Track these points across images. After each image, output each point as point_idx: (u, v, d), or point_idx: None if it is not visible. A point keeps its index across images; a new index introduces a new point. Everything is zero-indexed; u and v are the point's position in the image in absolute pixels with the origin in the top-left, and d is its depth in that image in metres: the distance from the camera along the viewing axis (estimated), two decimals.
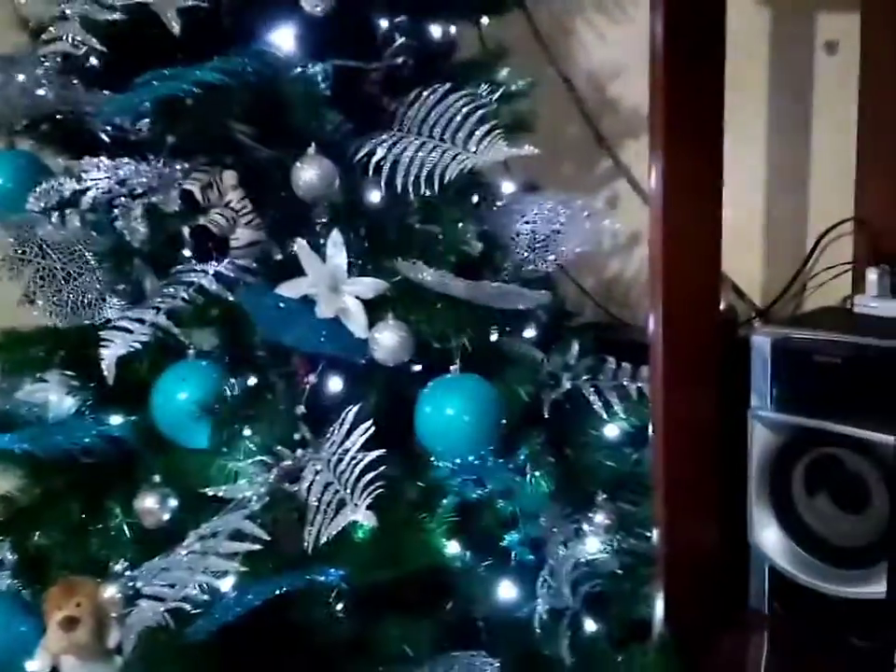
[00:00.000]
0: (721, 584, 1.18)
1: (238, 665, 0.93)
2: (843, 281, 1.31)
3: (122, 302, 1.09)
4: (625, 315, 1.59)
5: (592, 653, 1.11)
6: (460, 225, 1.04)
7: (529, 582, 1.10)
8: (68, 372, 1.10)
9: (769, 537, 1.15)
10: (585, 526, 1.12)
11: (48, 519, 1.10)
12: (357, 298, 1.00)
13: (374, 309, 1.02)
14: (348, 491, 0.89)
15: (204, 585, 0.88)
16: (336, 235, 0.99)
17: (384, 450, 0.91)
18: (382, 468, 0.89)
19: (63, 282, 1.11)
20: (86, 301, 1.11)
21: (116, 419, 1.08)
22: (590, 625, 1.12)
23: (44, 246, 1.10)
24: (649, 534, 1.13)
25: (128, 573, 1.01)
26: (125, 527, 1.04)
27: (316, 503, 0.92)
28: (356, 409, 0.97)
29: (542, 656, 1.10)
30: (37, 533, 1.10)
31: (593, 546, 1.13)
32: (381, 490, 0.88)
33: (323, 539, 0.88)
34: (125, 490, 1.06)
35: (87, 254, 1.09)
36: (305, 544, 0.91)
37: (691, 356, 1.14)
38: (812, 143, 1.37)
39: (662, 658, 1.09)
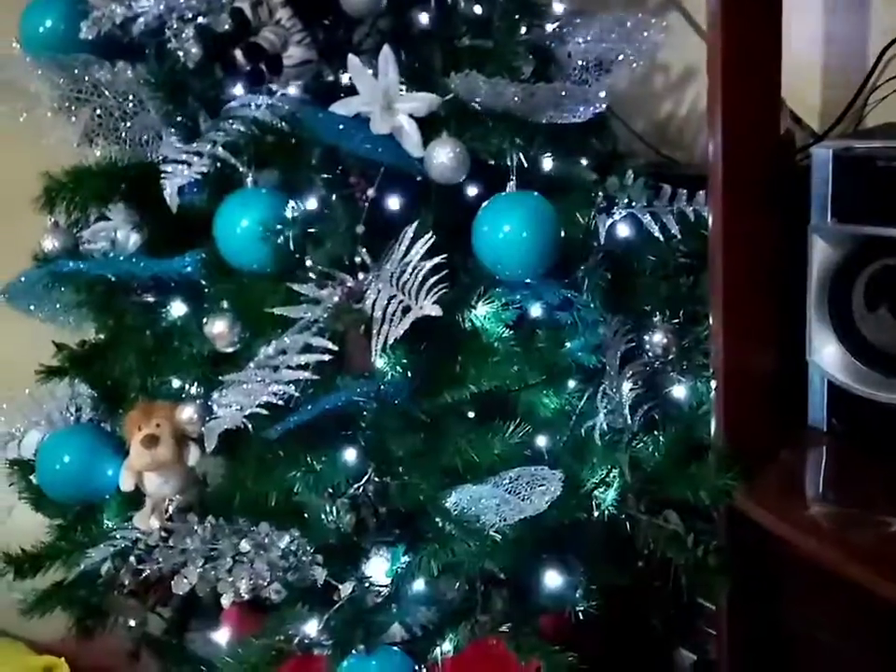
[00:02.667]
0: (779, 404, 1.19)
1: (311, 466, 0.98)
2: None
3: (179, 139, 1.11)
4: (679, 155, 1.56)
5: (651, 470, 1.14)
6: (511, 39, 1.02)
7: (589, 401, 1.13)
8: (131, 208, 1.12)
9: (828, 353, 1.16)
10: (643, 346, 1.14)
11: (121, 352, 1.14)
12: (411, 116, 1.00)
13: (428, 130, 1.02)
14: (412, 298, 0.91)
15: (278, 393, 0.91)
16: (387, 50, 0.98)
17: (445, 255, 0.92)
18: (444, 272, 0.91)
19: (119, 121, 1.12)
20: (143, 138, 1.13)
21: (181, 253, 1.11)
22: (649, 444, 1.15)
23: (99, 86, 1.12)
24: (707, 353, 1.14)
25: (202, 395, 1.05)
26: (196, 353, 1.08)
27: (381, 315, 0.94)
28: (414, 225, 0.98)
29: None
30: (112, 367, 1.15)
31: (650, 367, 1.15)
32: (445, 290, 0.90)
33: (391, 341, 0.91)
34: (195, 318, 1.09)
35: (141, 92, 1.10)
36: (373, 353, 0.94)
37: (750, 178, 1.12)
38: None
39: (720, 472, 1.11)
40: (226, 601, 0.95)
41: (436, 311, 0.88)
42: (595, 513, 1.14)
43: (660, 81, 1.59)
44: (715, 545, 1.14)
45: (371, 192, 0.98)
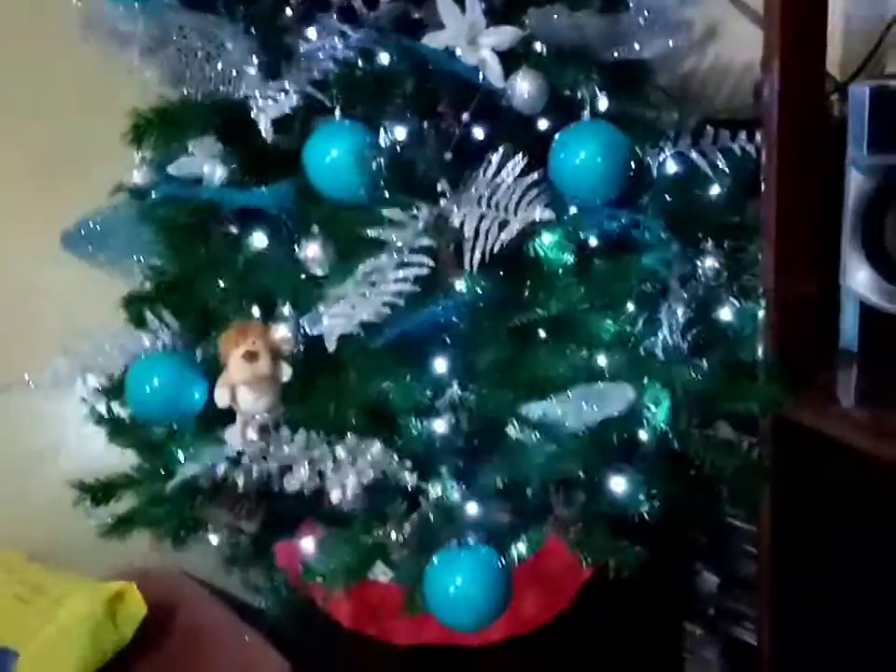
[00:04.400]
0: (816, 328, 1.29)
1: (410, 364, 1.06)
2: None
3: (262, 77, 1.17)
4: (702, 108, 1.65)
5: (703, 386, 1.23)
6: None
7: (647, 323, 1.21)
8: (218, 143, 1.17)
9: (861, 277, 1.26)
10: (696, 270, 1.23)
11: (209, 279, 1.20)
12: (493, 50, 1.07)
13: (506, 64, 1.10)
14: (510, 213, 0.99)
15: (387, 302, 0.99)
16: None
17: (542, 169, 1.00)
18: (543, 185, 0.99)
19: (204, 60, 1.18)
20: (228, 77, 1.18)
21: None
22: (700, 363, 1.24)
23: (184, 27, 1.17)
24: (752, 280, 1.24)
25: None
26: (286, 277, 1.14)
27: (473, 233, 1.02)
28: (501, 149, 1.05)
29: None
30: (198, 295, 1.21)
31: (702, 291, 1.24)
32: (546, 202, 0.98)
33: (490, 253, 0.98)
34: (281, 247, 1.16)
35: (226, 31, 1.16)
36: (466, 266, 1.01)
37: (799, 119, 1.20)
38: None
39: (767, 384, 1.21)
40: (335, 497, 1.02)
41: (548, 214, 0.96)
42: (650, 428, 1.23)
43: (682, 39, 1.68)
44: (765, 451, 1.24)
45: (465, 117, 1.06)
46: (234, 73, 1.18)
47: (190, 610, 1.48)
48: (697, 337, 1.23)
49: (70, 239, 1.46)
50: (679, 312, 1.21)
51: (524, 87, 1.06)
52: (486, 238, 1.00)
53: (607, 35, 1.04)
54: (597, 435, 1.14)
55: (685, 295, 1.20)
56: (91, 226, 1.42)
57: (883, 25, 1.42)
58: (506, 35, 1.07)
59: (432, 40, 1.07)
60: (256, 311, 1.20)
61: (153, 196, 1.19)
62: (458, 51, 1.06)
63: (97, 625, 1.34)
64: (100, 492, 1.32)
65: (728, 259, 1.25)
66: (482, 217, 1.02)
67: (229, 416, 1.18)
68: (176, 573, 1.57)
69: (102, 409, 1.34)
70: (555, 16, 1.03)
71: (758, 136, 1.24)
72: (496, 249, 0.99)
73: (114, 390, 1.28)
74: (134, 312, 1.28)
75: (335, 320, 0.98)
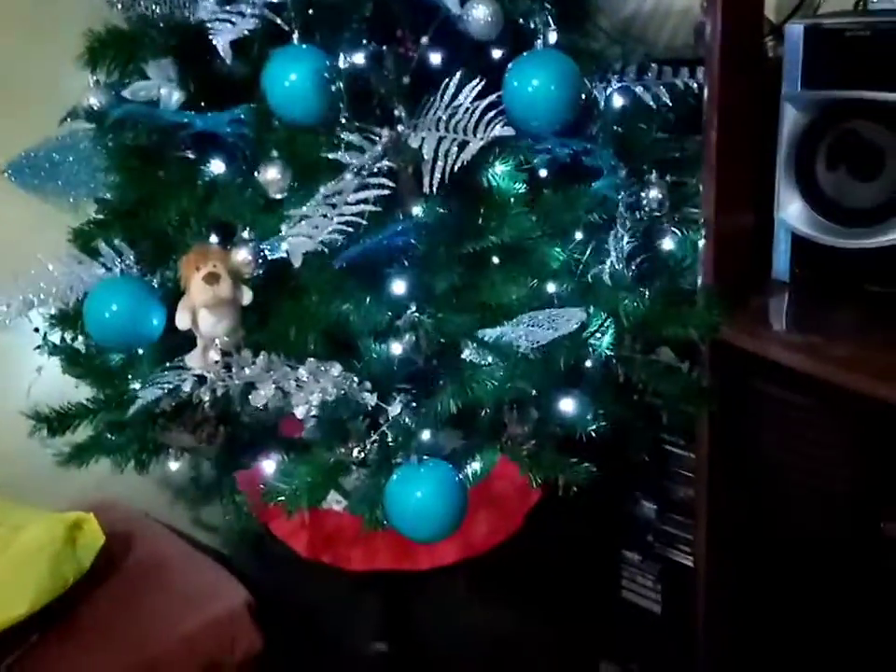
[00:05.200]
0: (750, 258, 1.36)
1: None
2: None
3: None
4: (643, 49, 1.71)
5: (646, 312, 1.29)
6: None
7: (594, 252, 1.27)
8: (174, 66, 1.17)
9: (793, 209, 1.33)
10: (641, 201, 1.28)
11: (166, 205, 1.20)
12: None
13: None
14: (469, 133, 1.01)
15: (348, 222, 1.01)
16: None
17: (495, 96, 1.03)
18: (501, 107, 1.02)
19: None
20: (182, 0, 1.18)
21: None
22: (643, 291, 1.30)
23: None
24: (696, 209, 1.30)
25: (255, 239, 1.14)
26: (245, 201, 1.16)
27: (433, 155, 1.04)
28: (459, 74, 1.08)
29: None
30: (155, 220, 1.21)
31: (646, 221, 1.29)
32: (506, 123, 1.01)
33: (451, 171, 1.01)
34: (244, 167, 1.17)
35: None
36: (425, 188, 1.04)
37: (740, 58, 1.25)
38: None
39: (706, 309, 1.27)
40: (300, 412, 1.05)
41: (509, 130, 0.99)
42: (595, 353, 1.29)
43: None
44: (704, 374, 1.31)
45: (424, 40, 1.08)
46: None
47: (147, 541, 1.50)
48: (641, 265, 1.29)
49: (16, 170, 1.44)
50: (625, 241, 1.26)
51: (479, 12, 1.08)
52: (446, 160, 1.03)
53: None
54: (548, 357, 1.19)
55: (630, 224, 1.25)
56: (40, 155, 1.40)
57: None
58: None
59: None
60: (214, 236, 1.21)
61: (108, 119, 1.18)
62: None
63: (56, 554, 1.34)
64: (56, 422, 1.33)
65: (670, 191, 1.30)
66: (440, 140, 1.05)
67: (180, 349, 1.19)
68: (132, 508, 1.58)
69: (56, 339, 1.33)
70: None
71: (699, 73, 1.30)
72: (455, 169, 1.02)
73: (68, 320, 1.28)
74: (86, 240, 1.27)
75: (298, 239, 1.00)
